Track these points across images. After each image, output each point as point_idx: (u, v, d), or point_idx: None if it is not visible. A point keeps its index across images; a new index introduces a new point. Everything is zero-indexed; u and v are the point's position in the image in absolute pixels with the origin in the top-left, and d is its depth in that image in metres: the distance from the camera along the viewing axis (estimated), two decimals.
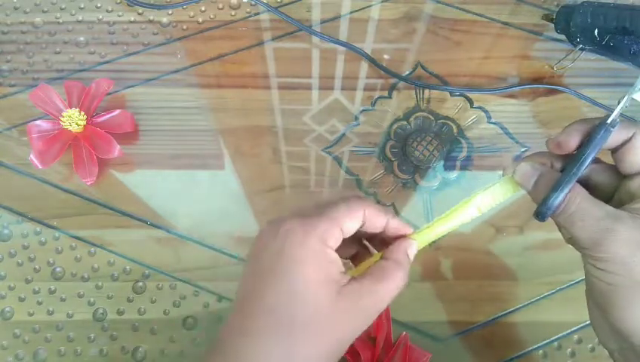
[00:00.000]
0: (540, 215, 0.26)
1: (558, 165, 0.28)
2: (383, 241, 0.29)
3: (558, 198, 0.25)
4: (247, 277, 0.26)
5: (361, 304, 0.25)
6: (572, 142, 0.27)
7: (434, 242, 0.41)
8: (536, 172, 0.27)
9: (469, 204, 0.28)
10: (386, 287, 0.25)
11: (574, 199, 0.25)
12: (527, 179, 0.28)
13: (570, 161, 0.27)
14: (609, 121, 0.26)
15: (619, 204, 0.27)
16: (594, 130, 0.26)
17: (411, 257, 0.28)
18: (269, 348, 0.23)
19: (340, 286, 0.24)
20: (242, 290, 0.26)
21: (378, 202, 0.43)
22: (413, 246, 0.28)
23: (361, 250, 0.30)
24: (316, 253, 0.24)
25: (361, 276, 0.26)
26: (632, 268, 0.24)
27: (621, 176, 0.28)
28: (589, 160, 0.26)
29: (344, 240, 0.28)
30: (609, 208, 0.25)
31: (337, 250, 0.28)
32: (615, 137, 0.26)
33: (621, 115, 0.26)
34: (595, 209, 0.25)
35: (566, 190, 0.25)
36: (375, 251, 0.30)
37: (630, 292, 0.24)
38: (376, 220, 0.27)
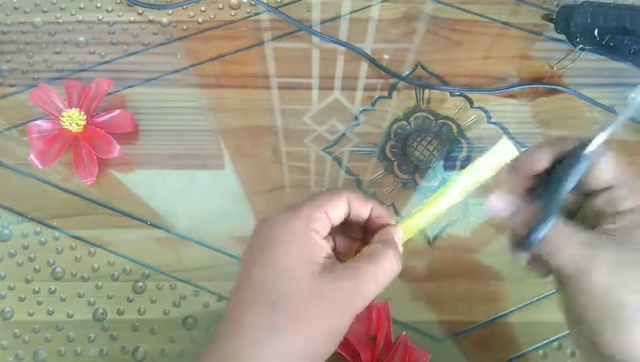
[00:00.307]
0: (523, 249, 0.26)
1: (527, 186, 0.28)
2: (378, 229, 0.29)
3: (541, 233, 0.25)
4: (242, 264, 0.27)
5: (344, 285, 0.25)
6: (541, 165, 0.27)
7: (431, 243, 0.41)
8: (509, 206, 0.27)
9: (449, 190, 0.28)
10: (375, 269, 0.25)
11: (554, 230, 0.25)
12: (503, 209, 0.28)
13: (549, 191, 0.26)
14: (585, 153, 0.25)
15: (583, 221, 0.27)
16: (571, 159, 0.26)
17: (399, 242, 0.28)
18: (256, 321, 0.24)
19: (324, 267, 0.25)
20: (238, 274, 0.27)
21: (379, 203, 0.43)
22: (399, 232, 0.28)
23: (362, 244, 0.30)
24: (299, 234, 0.26)
25: (349, 261, 0.26)
26: (618, 291, 0.24)
27: (584, 193, 0.28)
28: (567, 191, 0.26)
29: (348, 241, 0.29)
30: (586, 234, 0.25)
31: (343, 251, 0.29)
32: None
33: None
34: (574, 237, 0.25)
35: (550, 225, 0.25)
36: None
37: (620, 316, 0.24)
38: (360, 208, 0.28)
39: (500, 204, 0.28)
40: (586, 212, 0.28)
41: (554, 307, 0.40)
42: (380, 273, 0.25)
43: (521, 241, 0.26)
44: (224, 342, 0.25)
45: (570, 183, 0.26)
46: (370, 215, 0.28)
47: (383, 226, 0.28)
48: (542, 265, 0.28)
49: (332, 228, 0.28)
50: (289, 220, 0.26)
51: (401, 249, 0.28)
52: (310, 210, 0.26)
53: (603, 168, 0.26)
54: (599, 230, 0.26)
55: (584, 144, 0.26)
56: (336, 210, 0.27)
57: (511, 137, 0.45)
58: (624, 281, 0.24)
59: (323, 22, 0.49)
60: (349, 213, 0.28)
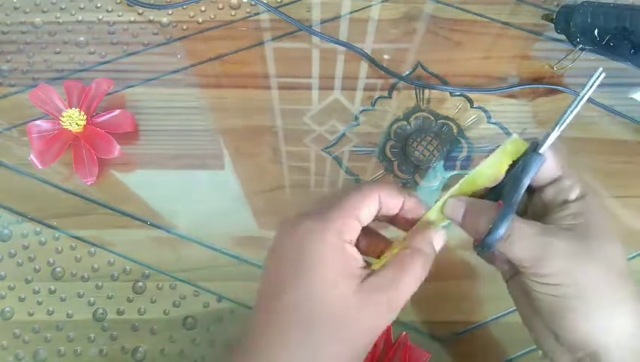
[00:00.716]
0: (486, 247, 0.26)
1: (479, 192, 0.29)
2: (406, 221, 0.28)
3: (501, 231, 0.25)
4: (269, 276, 0.26)
5: (380, 299, 0.24)
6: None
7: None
8: (463, 204, 0.27)
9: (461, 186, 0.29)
10: (405, 279, 0.25)
11: (511, 223, 0.26)
12: (456, 213, 0.28)
13: (504, 192, 0.27)
14: (541, 151, 0.26)
15: (534, 216, 0.27)
16: (526, 159, 0.27)
17: (437, 248, 0.27)
18: (292, 349, 0.23)
19: (359, 282, 0.24)
20: (264, 290, 0.26)
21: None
22: (440, 237, 0.27)
23: (383, 241, 0.29)
24: (334, 251, 0.24)
25: (381, 269, 0.25)
26: (576, 275, 0.24)
27: (532, 189, 0.28)
28: (525, 187, 0.26)
29: (369, 235, 0.28)
30: (539, 224, 0.26)
31: (362, 245, 0.28)
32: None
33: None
34: (529, 227, 0.25)
35: (510, 219, 0.26)
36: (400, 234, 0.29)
37: (579, 300, 0.25)
38: (391, 202, 0.27)
39: (451, 210, 0.28)
40: (535, 207, 0.28)
41: None
42: (413, 282, 0.25)
43: (481, 242, 0.26)
44: None
45: (527, 181, 0.26)
46: (402, 208, 0.28)
47: (411, 221, 0.28)
48: (501, 259, 0.29)
49: None
50: (321, 233, 0.24)
51: (437, 250, 0.27)
52: (343, 218, 0.25)
53: (549, 162, 0.27)
54: (551, 219, 0.26)
55: (534, 143, 0.27)
56: (367, 211, 0.26)
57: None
58: (579, 267, 0.24)
59: (323, 22, 0.49)
60: (379, 210, 0.27)
